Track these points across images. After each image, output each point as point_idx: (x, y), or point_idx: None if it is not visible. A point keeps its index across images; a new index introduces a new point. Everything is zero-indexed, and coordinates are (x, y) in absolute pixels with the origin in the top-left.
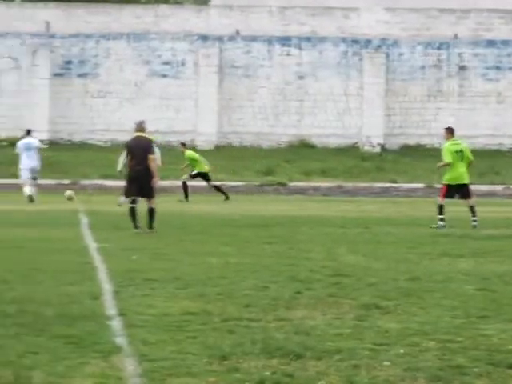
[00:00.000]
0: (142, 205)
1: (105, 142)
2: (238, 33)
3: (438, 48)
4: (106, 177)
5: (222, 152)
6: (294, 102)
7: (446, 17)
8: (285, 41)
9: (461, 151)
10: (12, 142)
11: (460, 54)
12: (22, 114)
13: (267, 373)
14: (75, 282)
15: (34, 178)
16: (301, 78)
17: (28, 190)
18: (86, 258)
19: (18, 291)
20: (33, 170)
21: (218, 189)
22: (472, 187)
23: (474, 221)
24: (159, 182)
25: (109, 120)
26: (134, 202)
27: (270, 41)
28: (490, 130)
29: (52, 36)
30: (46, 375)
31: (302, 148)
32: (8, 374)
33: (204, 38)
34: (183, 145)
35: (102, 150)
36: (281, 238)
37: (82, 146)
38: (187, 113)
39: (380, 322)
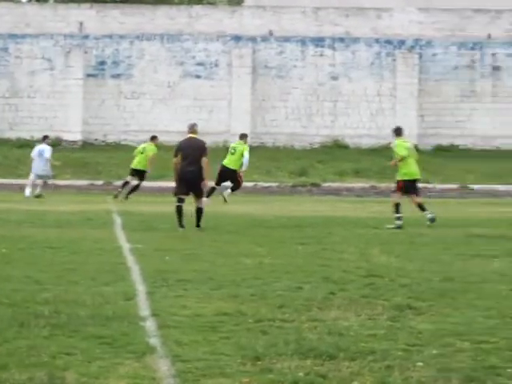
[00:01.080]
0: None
1: (138, 142)
2: (271, 33)
3: (472, 48)
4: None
5: (256, 153)
6: (327, 102)
7: (479, 17)
8: (318, 41)
9: (410, 149)
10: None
11: (493, 55)
12: (55, 114)
13: (301, 373)
14: (109, 282)
15: (42, 177)
16: (334, 78)
17: (28, 192)
18: (120, 259)
19: (51, 292)
20: (41, 177)
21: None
22: (507, 187)
23: (431, 213)
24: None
25: (142, 121)
26: (181, 201)
27: (303, 41)
28: None
29: (85, 37)
30: (79, 376)
31: (336, 149)
32: (42, 374)
33: (237, 38)
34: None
35: (133, 150)
36: (314, 239)
37: (116, 146)
38: (221, 114)
39: (413, 322)
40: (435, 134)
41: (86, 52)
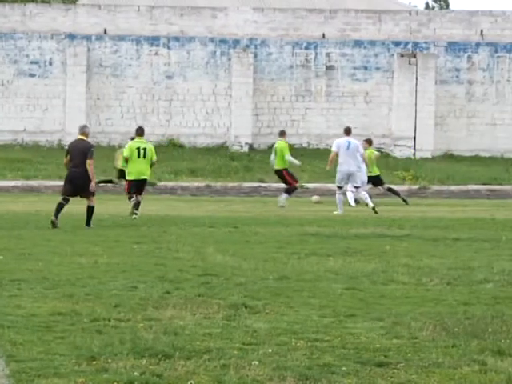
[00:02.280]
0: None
1: None
2: (105, 32)
3: (306, 48)
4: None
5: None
6: (163, 101)
7: (313, 16)
8: (153, 40)
9: (144, 149)
10: None
11: (328, 54)
12: None
13: (136, 373)
14: None
15: None
16: (169, 77)
17: None
18: None
19: None
20: None
21: None
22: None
23: (136, 214)
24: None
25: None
26: (66, 200)
27: (138, 40)
28: (358, 129)
29: None
30: None
31: (171, 148)
32: None
33: (72, 37)
34: (368, 142)
35: None
36: (149, 238)
37: None
38: (55, 112)
39: (249, 321)
40: (270, 133)
41: None
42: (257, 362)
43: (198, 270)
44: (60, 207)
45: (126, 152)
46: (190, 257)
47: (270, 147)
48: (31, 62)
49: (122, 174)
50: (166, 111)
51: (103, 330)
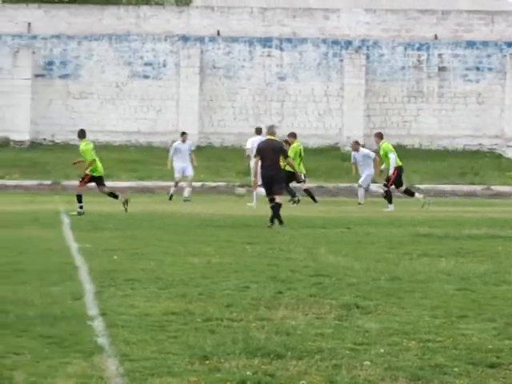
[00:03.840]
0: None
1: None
2: (218, 34)
3: (418, 49)
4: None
5: (204, 152)
6: (275, 102)
7: (425, 18)
8: (265, 42)
9: (93, 149)
10: None
11: (440, 55)
12: (3, 115)
13: (248, 372)
14: (57, 282)
15: None
16: (281, 79)
17: None
18: (68, 259)
19: None
20: None
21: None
22: (453, 187)
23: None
24: None
25: (90, 121)
26: (272, 200)
27: (250, 42)
28: (470, 130)
29: (33, 37)
30: (27, 375)
31: None
32: None
33: (185, 38)
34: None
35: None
36: (262, 238)
37: (64, 146)
38: (169, 114)
39: (360, 321)
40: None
41: (34, 52)
42: (368, 362)
43: (310, 271)
44: (275, 211)
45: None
46: (302, 257)
47: None
48: (145, 64)
49: None
50: (278, 112)
51: (216, 330)
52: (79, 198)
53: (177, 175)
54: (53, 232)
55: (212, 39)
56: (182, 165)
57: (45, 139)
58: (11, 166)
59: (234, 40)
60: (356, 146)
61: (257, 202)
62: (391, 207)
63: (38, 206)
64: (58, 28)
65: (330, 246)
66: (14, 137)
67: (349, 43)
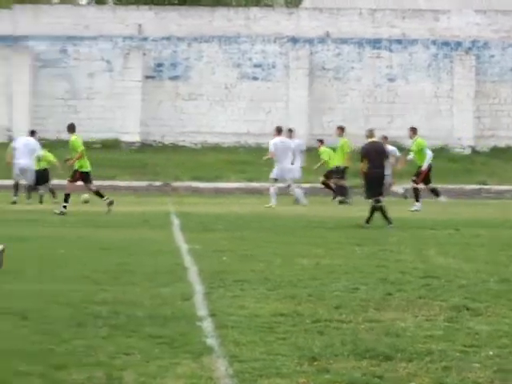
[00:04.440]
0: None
1: (195, 144)
2: (328, 35)
3: None
4: (196, 179)
5: (313, 153)
6: (384, 104)
7: None
8: (375, 43)
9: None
10: (105, 145)
11: None
12: (114, 116)
13: (357, 374)
14: (167, 283)
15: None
16: (391, 80)
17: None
18: (178, 260)
19: (109, 292)
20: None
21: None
22: None
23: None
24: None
25: (199, 122)
26: (378, 201)
27: (360, 43)
28: None
29: (144, 39)
30: (137, 375)
31: None
32: (100, 374)
33: (294, 40)
34: (320, 141)
35: (192, 152)
36: (371, 240)
37: (174, 147)
38: (278, 115)
39: (471, 323)
40: (492, 135)
41: (144, 54)
42: (478, 365)
43: (420, 272)
44: (383, 212)
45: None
46: (411, 259)
47: (493, 150)
48: (254, 66)
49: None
50: (387, 114)
51: (324, 331)
52: (66, 198)
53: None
54: (163, 233)
55: (321, 40)
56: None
57: (154, 141)
58: (122, 167)
59: (344, 41)
60: (385, 141)
61: (275, 202)
62: (418, 206)
63: (148, 207)
64: (168, 30)
65: (439, 248)
66: (125, 138)
67: (459, 44)
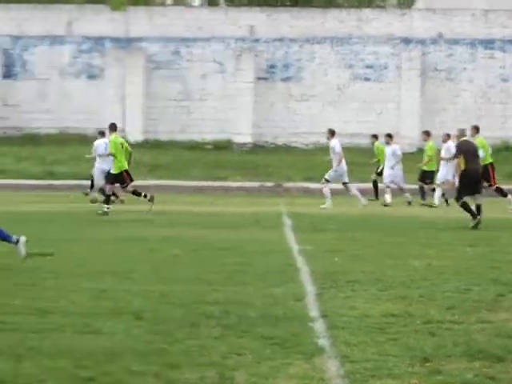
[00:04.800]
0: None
1: (307, 144)
2: (440, 36)
3: None
4: (309, 179)
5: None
6: (498, 104)
7: None
8: (488, 43)
9: (121, 144)
10: (217, 146)
11: None
12: (226, 117)
13: (469, 375)
14: (279, 283)
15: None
16: (504, 80)
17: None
18: (290, 260)
19: (221, 293)
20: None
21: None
22: None
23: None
24: None
25: (312, 123)
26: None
27: (472, 44)
28: None
29: (256, 40)
30: (249, 376)
31: (503, 151)
32: (212, 374)
33: (407, 41)
34: (375, 136)
35: (304, 152)
36: (483, 241)
37: (286, 149)
38: (389, 116)
39: None
40: None
41: (256, 55)
42: None
43: None
44: (470, 210)
45: (112, 148)
46: None
47: None
48: (366, 67)
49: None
50: (500, 114)
51: (436, 332)
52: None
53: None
54: (274, 234)
55: (434, 41)
56: (384, 172)
57: (266, 142)
58: (234, 168)
59: (456, 42)
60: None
61: (330, 203)
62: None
63: (260, 207)
64: (280, 31)
65: None
66: (237, 139)
67: None
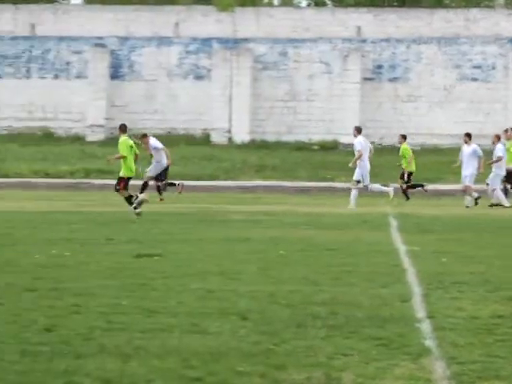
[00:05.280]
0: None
1: (414, 145)
2: None
3: None
4: (415, 180)
5: None
6: None
7: None
8: None
9: (131, 146)
10: (323, 146)
11: None
12: (333, 118)
13: None
14: (385, 284)
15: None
16: None
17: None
18: (396, 261)
19: (328, 293)
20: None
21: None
22: None
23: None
24: None
25: (418, 124)
26: None
27: None
28: None
29: (363, 41)
30: (355, 377)
31: None
32: (319, 374)
33: None
34: (403, 137)
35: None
36: None
37: (392, 150)
38: (497, 117)
39: None
40: None
41: (363, 56)
42: None
43: None
44: None
45: (124, 151)
46: None
47: None
48: (474, 67)
49: None
50: None
51: None
52: (128, 200)
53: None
54: (381, 234)
55: None
56: (463, 172)
57: (373, 142)
58: (339, 169)
59: None
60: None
61: (354, 204)
62: None
63: (367, 208)
64: (386, 31)
65: None
66: (344, 140)
67: None
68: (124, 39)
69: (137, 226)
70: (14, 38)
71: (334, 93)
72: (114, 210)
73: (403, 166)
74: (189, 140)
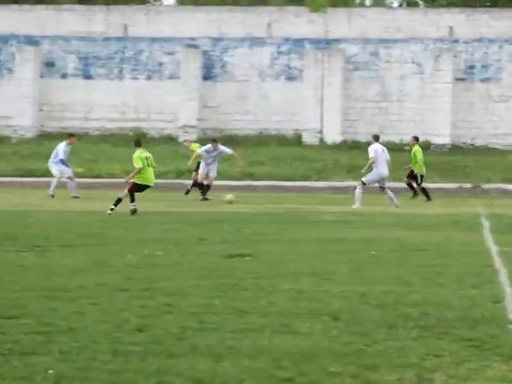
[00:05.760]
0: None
1: (506, 145)
2: None
3: None
4: (507, 180)
5: None
6: None
7: None
8: None
9: (146, 158)
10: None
11: None
12: (424, 118)
13: None
14: (476, 285)
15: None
16: None
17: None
18: (488, 262)
19: (420, 294)
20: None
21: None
22: None
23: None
24: None
25: (511, 124)
26: None
27: None
28: None
29: (455, 41)
30: (447, 378)
31: None
32: (410, 375)
33: None
34: (416, 139)
35: (503, 153)
36: None
37: (484, 150)
38: None
39: None
40: None
41: (455, 56)
42: None
43: None
44: None
45: (139, 163)
46: None
47: None
48: None
49: None
50: None
51: None
52: (119, 201)
53: None
54: (473, 235)
55: None
56: None
57: (465, 143)
58: (431, 169)
59: None
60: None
61: (359, 204)
62: None
63: (458, 208)
64: (479, 31)
65: None
66: (435, 140)
67: None
68: (216, 40)
69: (228, 226)
70: (107, 39)
71: (425, 93)
72: (205, 210)
73: (412, 168)
74: (280, 141)
